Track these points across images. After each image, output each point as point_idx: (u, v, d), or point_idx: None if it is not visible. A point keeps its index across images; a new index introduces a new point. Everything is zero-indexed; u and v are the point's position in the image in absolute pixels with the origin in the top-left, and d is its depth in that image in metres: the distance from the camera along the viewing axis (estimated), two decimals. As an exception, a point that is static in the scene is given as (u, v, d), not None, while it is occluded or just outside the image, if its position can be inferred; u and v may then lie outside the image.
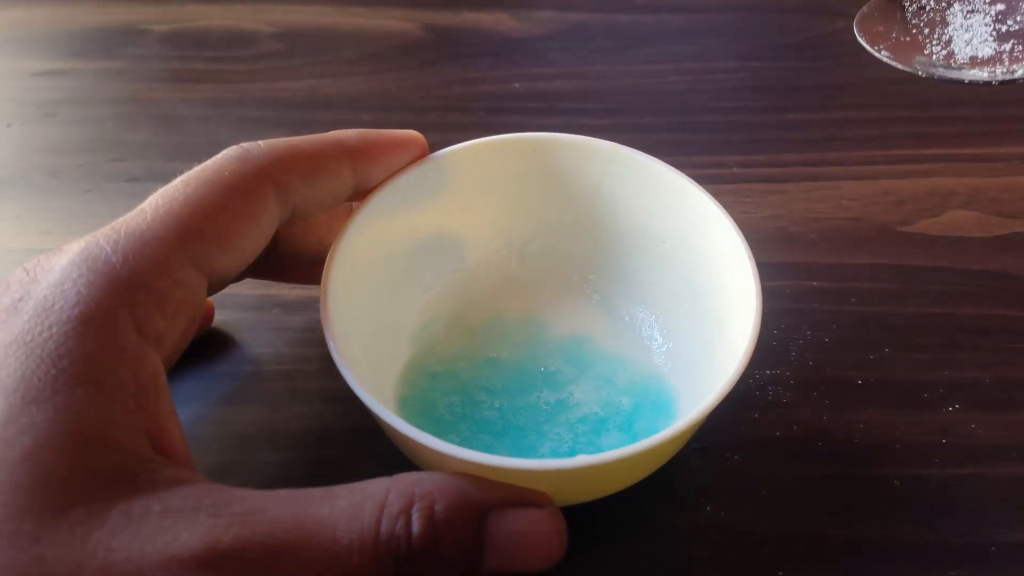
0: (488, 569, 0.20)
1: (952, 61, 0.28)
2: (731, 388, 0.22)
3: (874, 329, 0.31)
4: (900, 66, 0.29)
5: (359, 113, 0.42)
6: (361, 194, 0.26)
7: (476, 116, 0.42)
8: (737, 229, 0.26)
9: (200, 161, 0.23)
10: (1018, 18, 0.28)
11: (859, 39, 0.30)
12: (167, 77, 0.44)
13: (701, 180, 0.27)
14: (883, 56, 0.29)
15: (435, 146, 0.28)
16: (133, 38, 0.47)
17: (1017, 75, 0.27)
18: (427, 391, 0.28)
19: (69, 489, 0.17)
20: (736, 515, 0.26)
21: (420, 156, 0.27)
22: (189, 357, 0.25)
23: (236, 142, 0.24)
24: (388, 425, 0.21)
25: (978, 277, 0.34)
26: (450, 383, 0.28)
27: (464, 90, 0.44)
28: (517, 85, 0.44)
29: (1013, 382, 0.30)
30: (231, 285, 0.26)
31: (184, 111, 0.42)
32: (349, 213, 0.26)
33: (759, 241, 0.35)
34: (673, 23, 0.49)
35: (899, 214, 0.36)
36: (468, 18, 0.49)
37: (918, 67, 0.28)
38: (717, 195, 0.27)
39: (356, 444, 0.28)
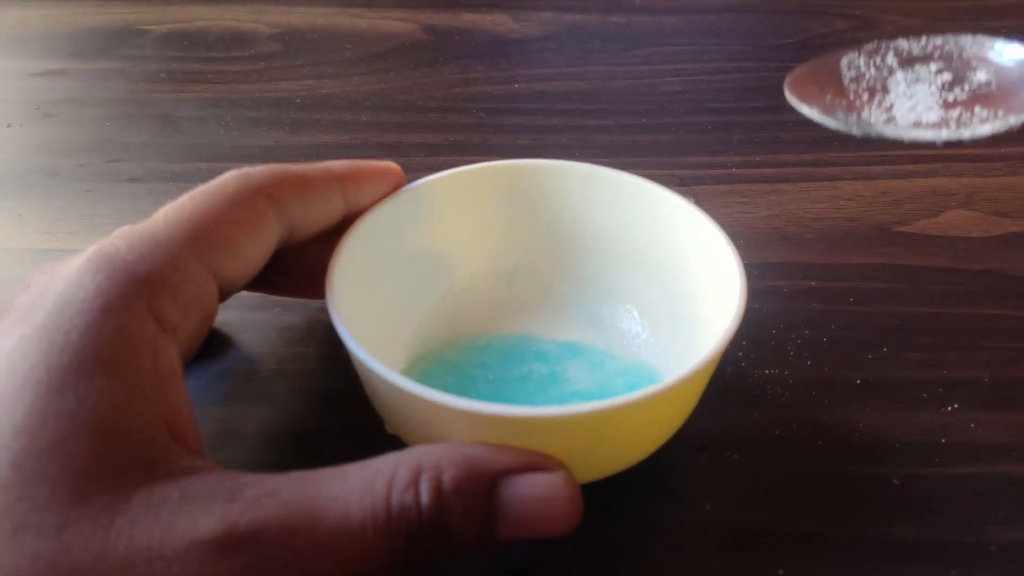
0: (501, 537, 0.20)
1: (893, 124, 0.27)
2: (738, 325, 0.22)
3: (872, 329, 0.32)
4: (833, 123, 0.27)
5: (358, 113, 0.42)
6: (353, 217, 0.27)
7: (475, 116, 0.42)
8: (720, 229, 0.26)
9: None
10: (965, 87, 0.28)
11: (788, 97, 0.29)
12: (166, 77, 0.44)
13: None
14: (813, 113, 0.28)
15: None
16: (132, 38, 0.47)
17: (964, 136, 0.26)
18: (422, 380, 0.28)
19: (92, 479, 0.18)
20: (736, 514, 0.26)
21: (397, 187, 0.28)
22: (189, 357, 0.25)
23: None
24: (392, 387, 0.21)
25: (976, 277, 0.34)
26: (444, 368, 0.28)
27: (463, 90, 0.44)
28: (516, 86, 0.44)
29: (1012, 382, 0.30)
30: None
31: (183, 111, 0.42)
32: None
33: (757, 241, 0.35)
34: (671, 24, 0.49)
35: (897, 214, 0.36)
36: (467, 19, 0.49)
37: (853, 126, 0.27)
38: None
39: (356, 444, 0.28)
